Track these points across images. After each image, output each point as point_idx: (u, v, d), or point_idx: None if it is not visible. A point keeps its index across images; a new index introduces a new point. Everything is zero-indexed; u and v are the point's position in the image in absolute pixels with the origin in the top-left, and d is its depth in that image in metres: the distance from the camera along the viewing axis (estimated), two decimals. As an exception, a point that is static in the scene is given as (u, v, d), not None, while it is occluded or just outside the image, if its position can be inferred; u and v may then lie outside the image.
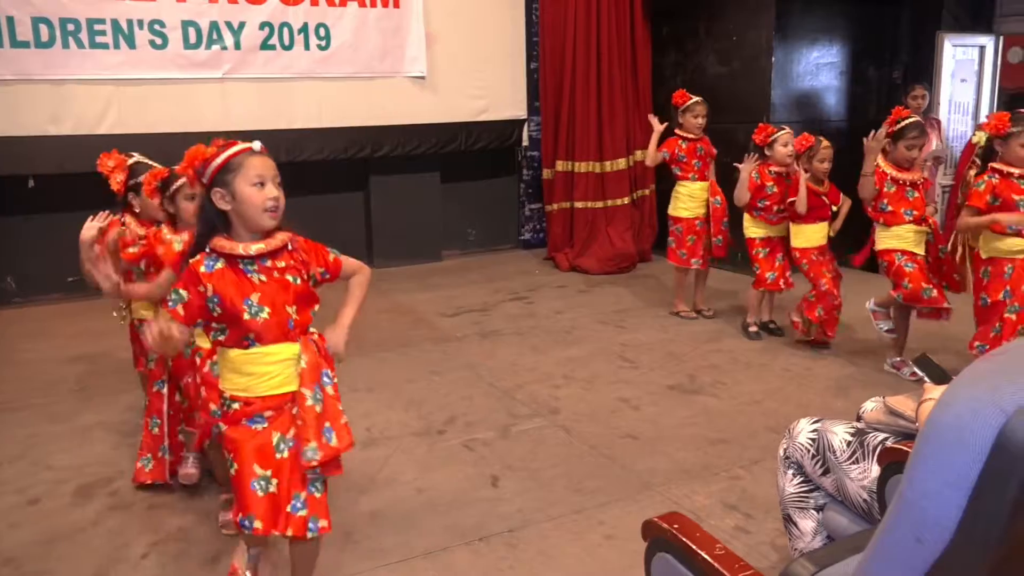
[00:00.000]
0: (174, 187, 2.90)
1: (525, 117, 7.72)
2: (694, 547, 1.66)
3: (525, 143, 7.81)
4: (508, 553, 2.76)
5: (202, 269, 2.11)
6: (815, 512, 2.23)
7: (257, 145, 2.14)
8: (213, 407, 2.56)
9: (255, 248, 2.12)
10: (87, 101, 6.03)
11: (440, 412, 3.99)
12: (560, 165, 7.34)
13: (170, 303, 2.09)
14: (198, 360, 2.91)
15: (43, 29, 5.87)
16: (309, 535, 2.20)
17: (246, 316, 2.11)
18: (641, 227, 7.38)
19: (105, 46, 6.07)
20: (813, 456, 2.17)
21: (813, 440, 2.18)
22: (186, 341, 2.39)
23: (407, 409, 4.03)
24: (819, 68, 6.71)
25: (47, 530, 2.98)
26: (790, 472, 2.26)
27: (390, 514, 3.03)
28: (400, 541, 2.84)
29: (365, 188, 7.36)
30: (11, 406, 4.20)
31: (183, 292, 2.10)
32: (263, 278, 2.14)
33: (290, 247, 2.20)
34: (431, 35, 7.10)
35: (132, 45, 6.14)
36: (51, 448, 3.68)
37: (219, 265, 2.12)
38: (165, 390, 3.18)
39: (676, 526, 1.72)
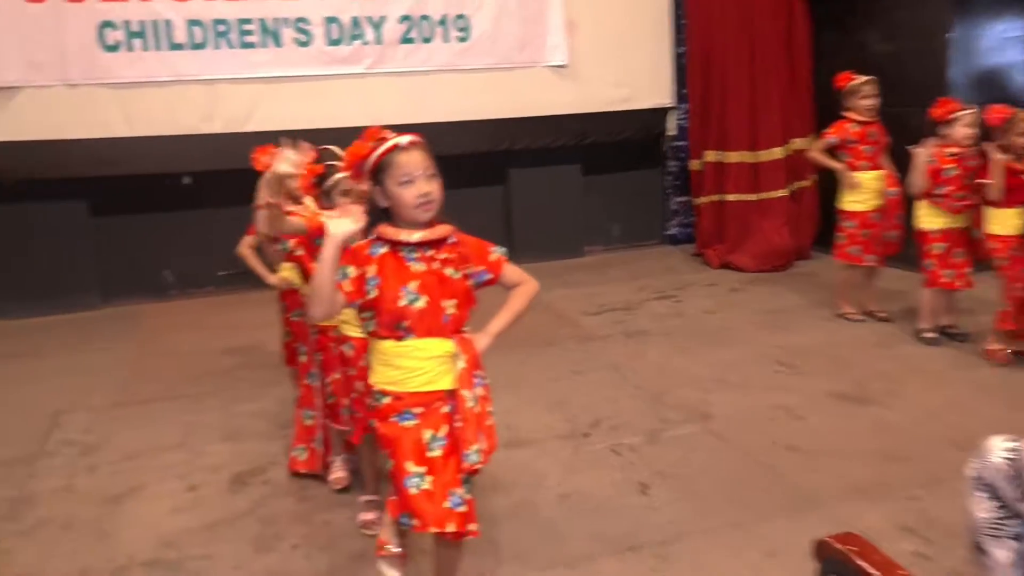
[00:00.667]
0: (329, 183, 3.03)
1: (671, 105, 7.60)
2: (874, 572, 1.59)
3: (671, 132, 7.69)
4: (659, 565, 2.74)
5: (367, 251, 2.22)
6: (1012, 541, 2.08)
7: (404, 140, 2.21)
8: (369, 401, 2.64)
9: (417, 236, 2.21)
10: (236, 99, 6.42)
11: (585, 414, 3.99)
12: (709, 155, 7.19)
13: (339, 277, 2.18)
14: (347, 352, 3.03)
15: (196, 31, 6.29)
16: (468, 531, 2.25)
17: (402, 303, 2.19)
18: (800, 221, 7.10)
19: (252, 45, 6.44)
20: (1011, 479, 2.03)
21: (1011, 461, 2.03)
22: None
23: (551, 410, 4.06)
24: (1005, 44, 6.24)
25: (205, 516, 3.21)
26: (982, 495, 2.11)
27: (533, 519, 3.06)
28: (543, 547, 2.86)
29: (504, 182, 7.46)
30: (170, 395, 4.54)
31: (349, 268, 2.20)
32: (422, 267, 2.22)
33: (452, 240, 2.27)
34: (571, 22, 7.10)
35: (278, 43, 6.49)
36: (208, 437, 3.95)
37: (383, 251, 2.23)
38: (317, 383, 3.33)
39: (853, 548, 1.65)
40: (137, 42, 6.16)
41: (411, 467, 2.22)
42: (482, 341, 2.29)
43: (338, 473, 3.35)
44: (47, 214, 6.33)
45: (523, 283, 2.39)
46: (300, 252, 3.21)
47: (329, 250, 2.13)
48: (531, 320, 5.64)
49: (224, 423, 4.11)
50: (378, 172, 2.21)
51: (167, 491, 3.43)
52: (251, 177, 3.37)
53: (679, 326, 5.35)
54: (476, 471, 2.26)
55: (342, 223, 2.14)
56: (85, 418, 4.23)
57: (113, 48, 6.11)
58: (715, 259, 7.04)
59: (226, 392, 4.54)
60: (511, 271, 2.36)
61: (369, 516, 3.05)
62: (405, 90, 6.75)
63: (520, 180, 7.43)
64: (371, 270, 2.20)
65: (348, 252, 2.23)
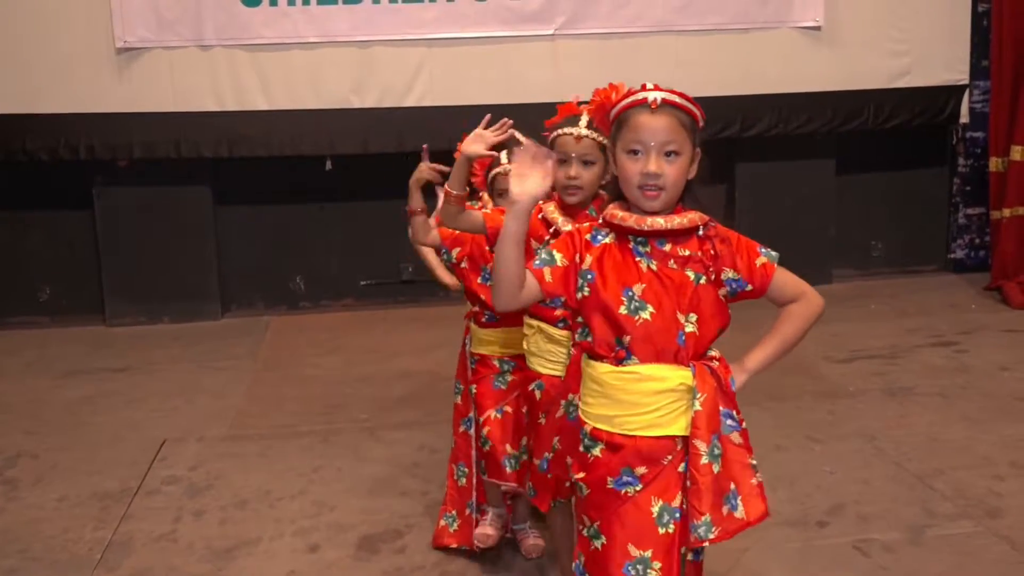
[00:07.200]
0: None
1: (966, 82, 7.34)
2: None
3: (964, 119, 7.44)
4: None
5: (587, 237, 2.25)
6: None
7: (654, 96, 2.18)
8: (569, 460, 2.59)
9: (650, 222, 2.18)
10: (395, 67, 6.73)
11: (822, 496, 3.93)
12: (1018, 152, 6.98)
13: (536, 262, 2.21)
14: (536, 394, 3.06)
15: (351, -19, 6.64)
16: None
17: (622, 310, 2.17)
18: None
19: (419, -1, 6.72)
20: None
21: None
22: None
23: (775, 487, 3.97)
24: None
25: (326, 585, 3.38)
26: None
27: (745, 630, 3.03)
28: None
29: (729, 179, 7.40)
30: (296, 430, 4.82)
31: (556, 254, 2.23)
32: (653, 265, 2.19)
33: (702, 232, 2.22)
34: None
35: (449, -4, 6.73)
36: (335, 486, 4.16)
37: (607, 240, 2.25)
38: (473, 431, 3.43)
39: None
40: (282, -6, 6.59)
41: (633, 550, 2.17)
42: (737, 377, 2.26)
43: (486, 529, 3.42)
44: (164, 201, 6.89)
45: (800, 299, 2.28)
46: (464, 265, 3.31)
47: (512, 221, 2.10)
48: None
49: (356, 471, 4.31)
50: (616, 128, 2.23)
51: (284, 549, 3.63)
52: (408, 163, 3.47)
53: (962, 385, 5.20)
54: (701, 546, 2.21)
55: (529, 182, 2.10)
56: (194, 451, 4.56)
57: (254, 2, 6.54)
58: (1018, 295, 6.78)
59: (362, 432, 4.75)
60: (784, 282, 2.26)
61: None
62: (606, 57, 6.82)
63: (750, 178, 7.35)
64: (588, 261, 2.21)
65: (566, 235, 2.28)
